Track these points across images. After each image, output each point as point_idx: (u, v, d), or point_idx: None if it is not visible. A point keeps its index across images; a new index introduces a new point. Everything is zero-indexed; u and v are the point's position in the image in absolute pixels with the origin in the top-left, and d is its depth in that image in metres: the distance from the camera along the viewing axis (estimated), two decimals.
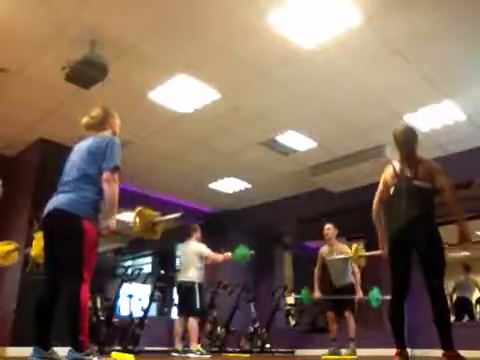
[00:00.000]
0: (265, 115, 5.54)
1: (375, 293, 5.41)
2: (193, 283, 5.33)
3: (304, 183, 7.39)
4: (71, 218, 2.45)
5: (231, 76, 4.75)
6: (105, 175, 2.51)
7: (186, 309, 5.34)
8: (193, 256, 5.46)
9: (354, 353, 5.20)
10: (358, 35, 4.03)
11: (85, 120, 2.82)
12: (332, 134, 5.99)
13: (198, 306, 5.24)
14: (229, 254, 5.53)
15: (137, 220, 2.73)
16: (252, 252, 5.53)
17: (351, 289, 5.39)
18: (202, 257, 5.47)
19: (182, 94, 5.03)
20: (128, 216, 2.97)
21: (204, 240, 5.87)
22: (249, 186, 7.77)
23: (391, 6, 3.72)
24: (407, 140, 3.10)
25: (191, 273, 5.39)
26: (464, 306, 7.72)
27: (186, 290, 5.36)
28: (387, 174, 3.21)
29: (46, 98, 5.14)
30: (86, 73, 4.23)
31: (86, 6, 3.75)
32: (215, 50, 4.32)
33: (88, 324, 2.39)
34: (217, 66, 4.59)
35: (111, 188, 2.49)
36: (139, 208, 2.76)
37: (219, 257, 5.52)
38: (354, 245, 3.98)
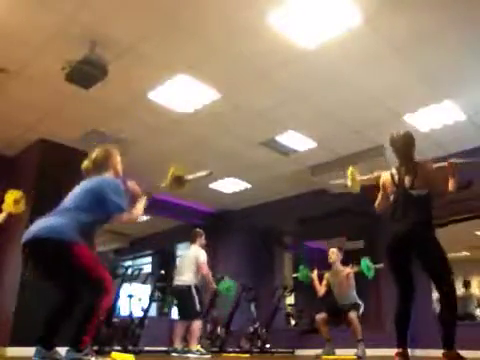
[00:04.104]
0: (265, 115, 5.54)
1: (365, 263, 5.44)
2: (189, 286, 5.27)
3: (304, 183, 7.39)
4: (56, 243, 2.34)
5: (231, 76, 4.75)
6: (119, 217, 2.53)
7: (188, 315, 5.28)
8: (192, 259, 5.42)
9: (364, 353, 5.16)
10: (358, 35, 4.03)
11: (85, 164, 2.76)
12: (332, 134, 5.99)
13: (198, 309, 5.21)
14: (214, 286, 5.65)
15: (169, 174, 2.89)
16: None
17: (354, 305, 5.45)
18: (198, 263, 5.42)
19: (182, 94, 5.03)
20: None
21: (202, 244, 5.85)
22: (249, 186, 7.77)
23: (391, 6, 3.72)
24: (404, 145, 3.11)
25: (186, 276, 5.34)
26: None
27: (184, 294, 5.31)
28: (385, 181, 3.22)
29: (46, 98, 5.14)
30: (86, 73, 4.23)
31: (86, 6, 3.75)
32: (215, 50, 4.32)
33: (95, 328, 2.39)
34: (217, 66, 4.59)
35: (130, 217, 2.58)
36: (173, 167, 2.93)
37: (206, 271, 5.45)
38: (349, 169, 3.85)
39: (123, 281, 6.08)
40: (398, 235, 2.97)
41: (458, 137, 5.93)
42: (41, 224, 2.42)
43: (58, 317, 2.49)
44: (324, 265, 5.88)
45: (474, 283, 9.66)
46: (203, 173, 2.97)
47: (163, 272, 7.52)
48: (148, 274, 9.20)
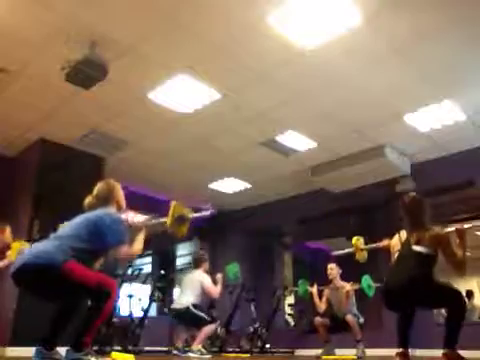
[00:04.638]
0: (265, 115, 5.54)
1: (366, 282, 5.44)
2: (187, 308, 5.09)
3: (304, 183, 7.39)
4: (44, 267, 2.26)
5: (231, 76, 4.75)
6: (118, 250, 2.46)
7: (197, 327, 5.14)
8: (195, 284, 5.26)
9: (364, 354, 5.17)
10: (358, 35, 4.03)
11: (88, 200, 2.71)
12: (332, 134, 5.99)
13: (207, 319, 5.12)
14: (220, 275, 5.48)
15: (171, 212, 2.74)
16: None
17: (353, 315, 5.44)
18: (202, 287, 5.25)
19: (182, 94, 5.03)
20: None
21: (204, 240, 5.84)
22: (249, 186, 7.77)
23: (391, 6, 3.72)
24: (413, 210, 3.10)
25: (185, 299, 5.18)
26: None
27: (184, 316, 5.16)
28: (393, 242, 3.25)
29: (46, 98, 5.14)
30: (86, 73, 4.23)
31: (86, 6, 3.75)
32: (215, 50, 4.32)
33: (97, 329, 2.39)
34: (217, 66, 4.59)
35: (129, 252, 2.52)
36: (174, 202, 2.79)
37: (216, 293, 5.29)
38: (354, 239, 3.93)
39: (123, 281, 6.08)
40: (392, 291, 2.96)
41: (458, 137, 5.93)
42: (28, 253, 2.39)
43: (63, 318, 2.48)
44: (324, 264, 5.87)
45: (474, 284, 9.63)
46: (207, 213, 2.94)
47: (163, 272, 7.52)
48: (148, 274, 9.21)
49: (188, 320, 5.19)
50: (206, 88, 4.91)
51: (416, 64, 4.50)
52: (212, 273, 5.60)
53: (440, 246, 2.93)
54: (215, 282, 5.38)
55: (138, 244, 2.66)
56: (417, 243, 2.96)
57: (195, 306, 5.14)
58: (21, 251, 3.93)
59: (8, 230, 4.18)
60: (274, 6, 3.71)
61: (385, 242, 3.50)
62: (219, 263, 8.35)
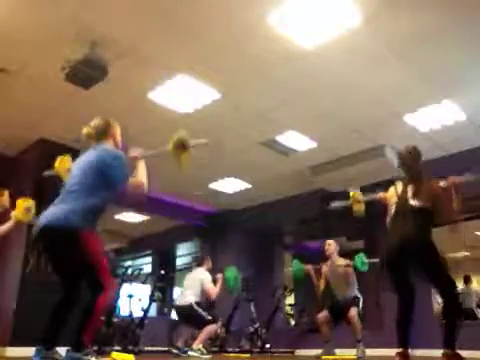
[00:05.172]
0: (265, 115, 5.54)
1: (360, 258, 5.27)
2: (190, 305, 5.12)
3: (304, 183, 7.39)
4: (64, 233, 2.38)
5: (231, 76, 4.75)
6: (125, 187, 2.52)
7: (198, 327, 5.19)
8: (197, 281, 5.30)
9: (364, 354, 5.09)
10: (358, 35, 4.03)
11: (85, 131, 2.78)
12: (332, 134, 5.98)
13: (208, 319, 5.14)
14: (220, 275, 5.51)
15: (173, 139, 2.79)
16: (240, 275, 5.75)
17: (353, 300, 5.31)
18: (203, 286, 5.29)
19: (182, 94, 5.03)
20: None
21: (205, 240, 5.85)
22: (249, 186, 7.77)
23: (391, 6, 3.72)
24: (412, 159, 3.14)
25: (188, 297, 5.21)
26: (468, 317, 7.69)
27: (186, 313, 5.20)
28: (390, 195, 3.25)
29: (46, 98, 5.14)
30: (86, 73, 4.24)
31: (86, 6, 3.75)
32: (215, 50, 4.32)
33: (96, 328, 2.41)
34: (217, 66, 4.59)
35: (135, 182, 2.55)
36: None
37: (214, 294, 5.30)
38: (352, 192, 3.78)
39: (123, 281, 6.08)
40: (394, 247, 2.98)
41: (458, 137, 5.93)
42: (49, 215, 2.46)
43: (58, 317, 2.49)
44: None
45: (474, 282, 9.64)
46: (203, 141, 2.96)
47: (163, 272, 7.53)
48: (148, 274, 9.22)
49: (190, 319, 5.21)
50: (206, 88, 4.91)
51: (416, 64, 4.50)
52: (212, 270, 5.61)
53: (436, 197, 2.96)
54: (215, 282, 5.40)
55: (141, 173, 2.65)
56: (414, 196, 2.97)
57: (198, 304, 5.17)
58: (29, 208, 3.85)
59: (6, 194, 4.12)
60: (274, 6, 3.72)
61: (381, 194, 3.45)
62: (219, 263, 8.35)
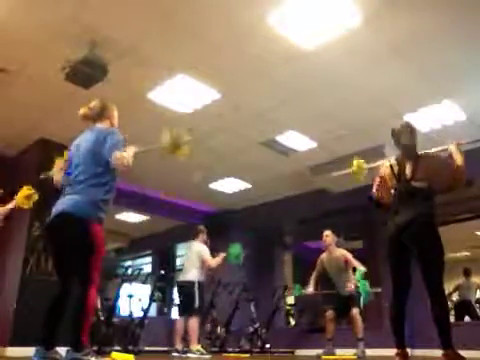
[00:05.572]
0: (265, 115, 5.54)
1: (363, 285, 5.23)
2: (192, 283, 5.32)
3: (304, 183, 7.39)
4: (78, 221, 2.46)
5: (231, 76, 4.75)
6: (113, 159, 2.51)
7: (186, 309, 5.35)
8: (194, 256, 5.47)
9: (364, 354, 5.12)
10: (358, 35, 4.03)
11: (82, 111, 2.84)
12: (332, 134, 5.98)
13: (197, 305, 5.24)
14: (223, 254, 5.58)
15: (167, 136, 2.87)
16: (244, 252, 5.66)
17: (355, 298, 5.34)
18: (201, 258, 5.46)
19: (182, 94, 5.03)
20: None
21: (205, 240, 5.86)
22: (249, 186, 7.77)
23: (391, 6, 3.72)
24: (407, 135, 3.09)
25: (191, 273, 5.39)
26: (466, 308, 7.71)
27: (186, 290, 5.36)
28: (386, 174, 3.17)
29: (46, 98, 5.14)
30: (86, 73, 4.24)
31: (86, 6, 3.75)
32: (215, 50, 4.32)
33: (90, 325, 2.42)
34: (217, 66, 4.59)
35: (122, 156, 2.52)
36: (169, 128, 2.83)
37: (213, 263, 5.46)
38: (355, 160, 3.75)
39: (123, 281, 6.08)
40: (399, 226, 2.94)
41: (458, 137, 5.83)
42: (66, 201, 2.53)
43: (53, 316, 2.50)
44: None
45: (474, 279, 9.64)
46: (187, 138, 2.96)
47: (163, 272, 7.53)
48: (148, 274, 9.21)
49: (185, 295, 5.35)
50: (206, 88, 4.91)
51: (416, 64, 4.51)
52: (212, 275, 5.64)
53: (434, 176, 2.96)
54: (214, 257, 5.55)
55: (129, 153, 2.65)
56: (413, 176, 2.96)
57: (200, 285, 5.31)
58: (29, 196, 3.86)
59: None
60: (274, 6, 3.72)
61: (378, 177, 3.38)
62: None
